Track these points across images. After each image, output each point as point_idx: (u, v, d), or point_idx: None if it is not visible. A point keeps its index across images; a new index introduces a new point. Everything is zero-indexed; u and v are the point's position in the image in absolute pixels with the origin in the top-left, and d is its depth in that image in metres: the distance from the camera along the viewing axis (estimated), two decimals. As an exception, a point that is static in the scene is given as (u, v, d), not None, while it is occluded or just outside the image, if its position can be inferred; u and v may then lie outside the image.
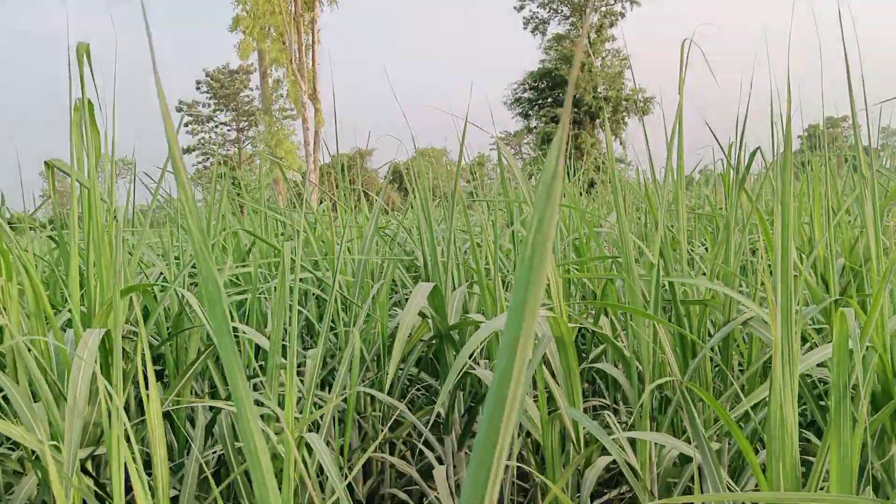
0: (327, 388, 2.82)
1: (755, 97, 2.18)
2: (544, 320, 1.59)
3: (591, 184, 7.51)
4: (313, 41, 21.87)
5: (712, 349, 1.97)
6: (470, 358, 2.37)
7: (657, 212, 1.88)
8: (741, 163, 2.06)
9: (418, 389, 3.07)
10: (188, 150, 51.84)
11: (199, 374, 2.46)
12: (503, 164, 2.11)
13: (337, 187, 3.49)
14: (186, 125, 55.14)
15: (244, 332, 1.91)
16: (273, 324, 1.75)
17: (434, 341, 2.16)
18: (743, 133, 2.07)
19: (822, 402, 1.97)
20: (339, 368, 1.89)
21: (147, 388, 1.53)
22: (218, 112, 56.50)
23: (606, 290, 2.53)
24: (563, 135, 0.38)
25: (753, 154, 2.02)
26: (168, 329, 2.29)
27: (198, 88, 55.53)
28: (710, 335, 2.22)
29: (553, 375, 1.86)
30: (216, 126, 56.57)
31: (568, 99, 0.39)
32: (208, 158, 52.76)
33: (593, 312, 2.61)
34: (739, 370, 2.34)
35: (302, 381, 2.41)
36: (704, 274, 2.57)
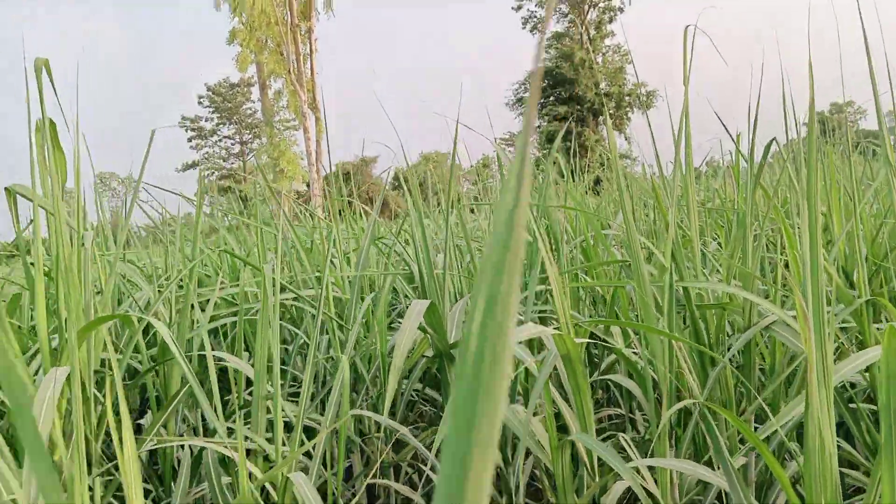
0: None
1: (762, 83, 2.04)
2: (549, 337, 1.46)
3: (598, 181, 7.38)
4: (311, 50, 21.78)
5: (733, 355, 1.83)
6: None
7: (667, 211, 1.74)
8: (755, 155, 1.92)
9: (425, 403, 2.93)
10: (193, 165, 51.91)
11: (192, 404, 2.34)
12: (503, 166, 1.97)
13: (339, 194, 3.36)
14: (190, 140, 55.27)
15: (226, 361, 1.78)
16: (256, 352, 1.63)
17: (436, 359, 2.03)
18: (755, 123, 1.93)
19: (852, 405, 1.83)
20: (331, 394, 1.76)
21: (122, 429, 1.40)
22: (221, 126, 56.60)
23: (617, 296, 2.40)
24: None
25: (768, 147, 1.88)
26: (150, 358, 2.17)
27: (200, 103, 55.66)
28: (728, 337, 2.08)
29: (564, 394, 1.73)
30: (220, 140, 56.67)
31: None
32: (213, 173, 52.87)
33: (604, 315, 2.47)
34: (761, 370, 2.20)
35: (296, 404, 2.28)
36: (719, 273, 2.43)
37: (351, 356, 2.38)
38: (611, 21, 40.75)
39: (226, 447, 1.54)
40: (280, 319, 2.99)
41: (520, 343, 1.81)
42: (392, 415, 2.48)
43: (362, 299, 2.57)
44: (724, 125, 2.01)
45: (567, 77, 38.98)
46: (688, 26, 1.89)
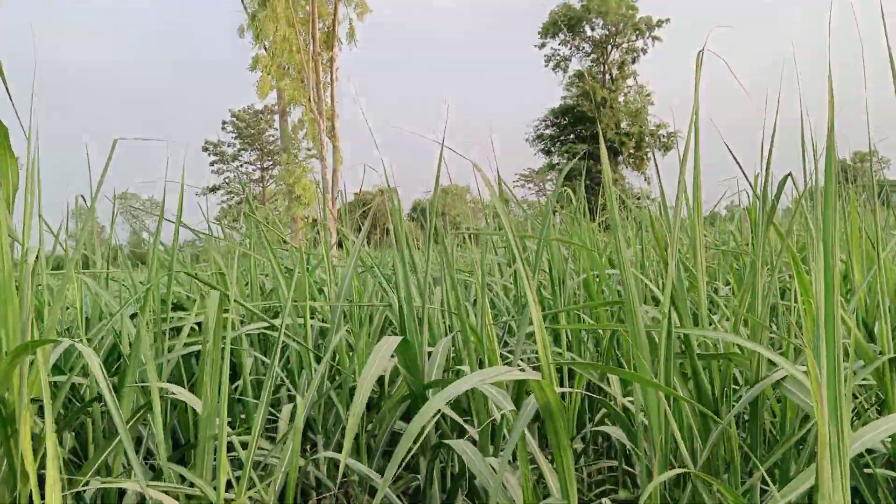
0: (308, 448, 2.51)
1: (780, 128, 1.89)
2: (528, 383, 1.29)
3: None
4: (332, 79, 21.90)
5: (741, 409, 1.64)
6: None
7: (664, 245, 1.58)
8: (768, 193, 1.76)
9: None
10: (213, 189, 52.32)
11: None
12: (494, 194, 1.82)
13: (352, 223, 3.23)
14: (212, 164, 55.82)
15: (173, 393, 1.62)
16: (206, 388, 1.47)
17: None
18: (769, 159, 1.77)
19: (868, 470, 1.64)
20: (289, 435, 1.59)
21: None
22: (243, 151, 57.18)
23: (618, 339, 2.22)
24: None
25: (783, 182, 1.71)
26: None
27: (223, 128, 56.31)
28: (738, 389, 1.89)
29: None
30: (241, 165, 57.20)
31: None
32: (233, 197, 53.20)
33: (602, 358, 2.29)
34: (772, 424, 2.01)
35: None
36: (728, 321, 2.25)
37: (324, 391, 2.22)
38: (633, 62, 40.90)
39: (165, 492, 1.37)
40: (259, 349, 2.84)
41: (502, 387, 1.64)
42: (369, 456, 2.31)
43: (353, 330, 2.41)
44: (738, 163, 1.85)
45: (588, 115, 39.05)
46: (700, 51, 1.74)
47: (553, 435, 1.33)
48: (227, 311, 2.47)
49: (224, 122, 56.25)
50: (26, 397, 1.43)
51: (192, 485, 1.46)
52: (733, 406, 1.73)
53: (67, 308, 2.70)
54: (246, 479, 1.51)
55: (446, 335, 2.41)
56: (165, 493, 1.35)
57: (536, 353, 2.57)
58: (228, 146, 56.66)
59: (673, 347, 1.55)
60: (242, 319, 2.76)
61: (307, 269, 2.54)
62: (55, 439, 1.35)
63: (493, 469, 1.47)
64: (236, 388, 2.67)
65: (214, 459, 1.63)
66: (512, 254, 2.88)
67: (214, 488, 1.47)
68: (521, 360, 2.12)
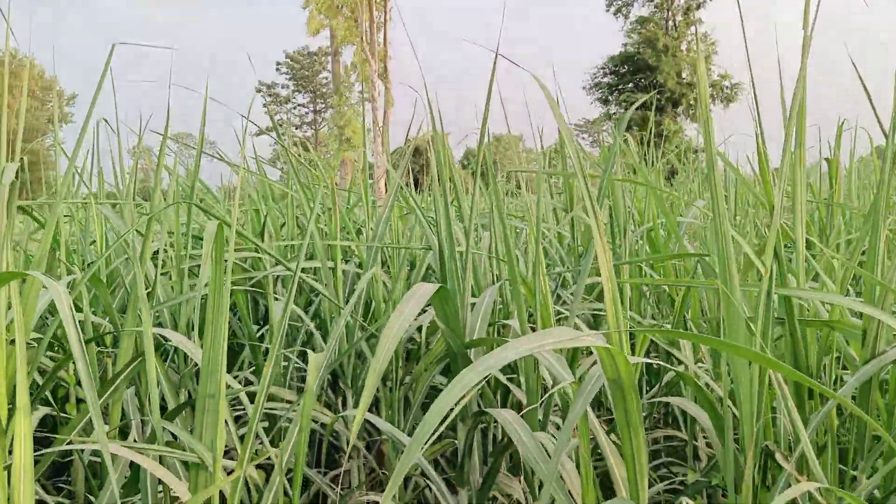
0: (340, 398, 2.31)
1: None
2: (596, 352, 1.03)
3: (673, 173, 6.83)
4: (385, 19, 21.36)
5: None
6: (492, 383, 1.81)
7: (771, 189, 1.28)
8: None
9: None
10: (266, 131, 52.48)
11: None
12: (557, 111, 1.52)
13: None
14: (265, 106, 55.86)
15: (171, 341, 1.40)
16: (206, 335, 1.24)
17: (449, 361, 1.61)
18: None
19: None
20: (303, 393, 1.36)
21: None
22: (296, 93, 57.07)
23: (688, 299, 1.93)
24: None
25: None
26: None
27: (277, 70, 56.17)
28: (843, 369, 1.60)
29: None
30: (294, 108, 57.19)
31: None
32: (285, 140, 53.34)
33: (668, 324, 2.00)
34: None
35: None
36: (815, 282, 1.93)
37: (354, 340, 1.99)
38: (698, 7, 39.08)
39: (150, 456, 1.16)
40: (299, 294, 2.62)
41: (557, 351, 1.38)
42: (405, 413, 2.09)
43: (394, 276, 2.16)
44: (862, 81, 1.51)
45: (648, 64, 37.67)
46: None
47: (622, 414, 1.06)
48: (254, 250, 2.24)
49: (278, 64, 56.10)
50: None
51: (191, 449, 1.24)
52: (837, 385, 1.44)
53: (93, 242, 2.53)
54: (251, 441, 1.29)
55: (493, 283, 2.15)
56: (155, 457, 1.14)
57: (595, 310, 2.29)
58: (282, 88, 56.60)
59: (771, 312, 1.27)
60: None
61: (344, 206, 2.30)
62: (26, 384, 1.14)
63: (544, 449, 1.22)
64: (261, 336, 2.48)
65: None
66: (571, 196, 2.57)
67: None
68: (578, 317, 1.86)
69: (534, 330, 1.57)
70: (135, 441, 1.48)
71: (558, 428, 1.81)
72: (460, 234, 1.70)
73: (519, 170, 2.44)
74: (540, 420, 1.63)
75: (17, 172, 1.32)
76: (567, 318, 1.67)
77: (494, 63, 1.73)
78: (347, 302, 2.35)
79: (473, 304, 1.73)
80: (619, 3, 40.21)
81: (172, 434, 1.35)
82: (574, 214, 2.63)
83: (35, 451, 1.16)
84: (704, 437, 2.26)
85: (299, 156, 3.97)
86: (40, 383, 1.75)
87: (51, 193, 3.63)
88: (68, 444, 1.33)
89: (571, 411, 1.02)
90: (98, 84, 1.43)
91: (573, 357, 1.76)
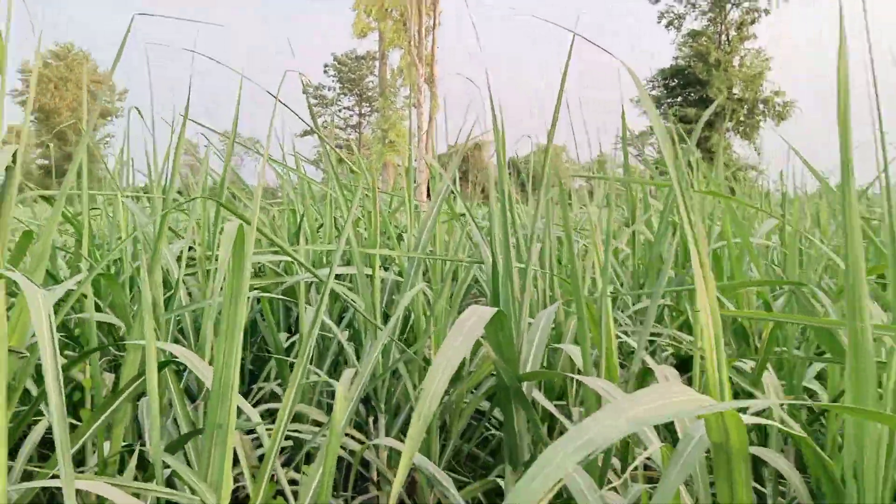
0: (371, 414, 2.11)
1: None
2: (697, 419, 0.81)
3: (731, 191, 6.54)
4: (434, 24, 21.21)
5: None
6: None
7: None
8: None
9: (490, 424, 2.31)
10: (311, 132, 52.92)
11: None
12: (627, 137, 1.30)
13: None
14: (310, 108, 56.28)
15: (176, 357, 1.21)
16: (218, 354, 1.05)
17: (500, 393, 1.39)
18: None
19: None
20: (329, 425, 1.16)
21: None
22: (342, 96, 57.42)
23: (775, 333, 1.69)
24: None
25: None
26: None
27: (325, 72, 56.58)
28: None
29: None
30: (339, 110, 57.54)
31: None
32: (331, 141, 53.71)
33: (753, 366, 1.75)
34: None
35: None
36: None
37: (390, 360, 1.79)
38: (753, 23, 38.26)
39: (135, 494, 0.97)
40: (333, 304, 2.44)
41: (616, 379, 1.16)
42: (442, 448, 1.88)
43: (436, 290, 1.96)
44: None
45: (699, 78, 36.98)
46: None
47: (726, 487, 0.84)
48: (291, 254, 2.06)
49: (326, 66, 56.52)
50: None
51: (192, 491, 1.05)
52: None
53: (119, 237, 2.39)
54: (266, 479, 1.10)
55: (544, 306, 1.93)
56: (136, 495, 0.95)
57: (656, 340, 2.05)
58: (329, 90, 57.00)
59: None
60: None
61: (384, 209, 2.10)
62: (5, 407, 0.97)
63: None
64: (291, 345, 2.30)
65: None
66: (633, 208, 2.34)
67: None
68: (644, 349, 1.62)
69: (596, 366, 1.35)
70: (135, 476, 1.29)
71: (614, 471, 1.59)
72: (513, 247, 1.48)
73: (589, 176, 2.21)
74: (599, 465, 1.41)
75: (52, 164, 1.15)
76: (634, 352, 1.45)
77: (564, 73, 1.52)
78: (384, 311, 2.16)
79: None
80: (672, 15, 39.58)
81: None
82: (635, 229, 2.40)
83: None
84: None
85: (341, 158, 3.80)
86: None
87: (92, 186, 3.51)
88: (52, 477, 1.15)
89: (663, 484, 0.80)
90: (118, 53, 1.26)
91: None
